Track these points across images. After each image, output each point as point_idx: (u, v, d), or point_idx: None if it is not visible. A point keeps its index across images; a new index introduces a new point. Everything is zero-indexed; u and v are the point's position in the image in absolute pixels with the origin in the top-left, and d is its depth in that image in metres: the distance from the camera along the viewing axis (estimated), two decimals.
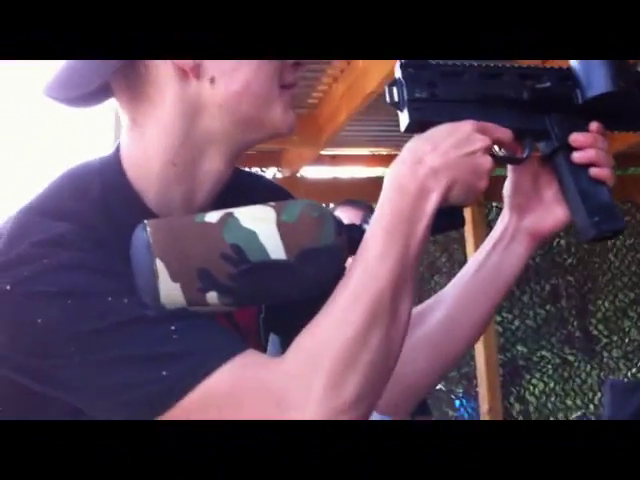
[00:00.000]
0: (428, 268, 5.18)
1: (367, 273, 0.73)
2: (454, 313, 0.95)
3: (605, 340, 5.52)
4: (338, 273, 0.77)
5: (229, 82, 0.79)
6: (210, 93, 0.79)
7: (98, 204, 0.79)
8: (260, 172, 4.66)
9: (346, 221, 2.40)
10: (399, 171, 0.78)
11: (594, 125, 0.87)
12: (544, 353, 5.44)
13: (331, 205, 4.29)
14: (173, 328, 0.71)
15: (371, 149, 4.42)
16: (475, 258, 0.96)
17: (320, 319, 0.73)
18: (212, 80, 0.79)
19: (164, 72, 0.79)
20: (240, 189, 0.88)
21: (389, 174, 0.79)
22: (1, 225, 0.76)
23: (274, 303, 0.87)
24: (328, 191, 4.37)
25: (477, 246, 4.33)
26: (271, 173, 4.70)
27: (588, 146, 0.86)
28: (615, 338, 5.50)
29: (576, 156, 0.86)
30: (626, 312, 5.50)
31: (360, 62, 2.95)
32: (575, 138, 0.86)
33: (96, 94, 0.82)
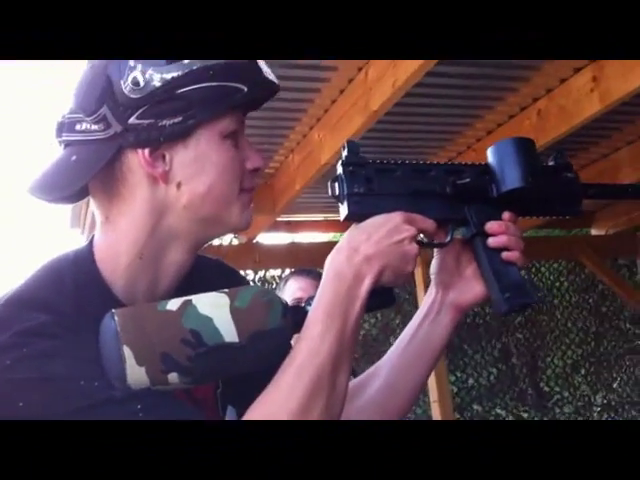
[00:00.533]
0: (383, 329, 5.28)
1: (309, 350, 0.83)
2: (393, 380, 1.05)
3: (556, 396, 5.65)
4: (285, 351, 0.87)
5: (194, 187, 0.89)
6: (176, 196, 0.89)
7: (72, 295, 0.87)
8: (217, 240, 4.74)
9: (299, 292, 2.49)
10: (337, 259, 0.90)
11: (506, 215, 1.00)
12: (499, 411, 5.53)
13: (287, 270, 4.39)
14: (139, 407, 0.79)
15: (325, 215, 4.54)
16: (407, 330, 1.06)
17: (269, 392, 0.82)
18: (178, 185, 0.89)
19: (137, 177, 0.89)
20: (200, 275, 0.98)
21: (329, 261, 0.91)
22: None
23: (228, 379, 0.95)
24: (284, 256, 4.46)
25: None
26: (228, 239, 4.76)
27: (501, 233, 0.99)
28: (566, 394, 5.64)
29: (490, 241, 0.99)
30: (576, 368, 5.66)
31: (315, 135, 3.10)
32: (490, 226, 1.00)
33: (76, 195, 0.92)
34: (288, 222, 4.40)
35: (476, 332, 5.42)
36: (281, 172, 3.62)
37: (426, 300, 1.06)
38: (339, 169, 0.97)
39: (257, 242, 4.50)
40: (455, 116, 3.20)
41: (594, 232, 5.31)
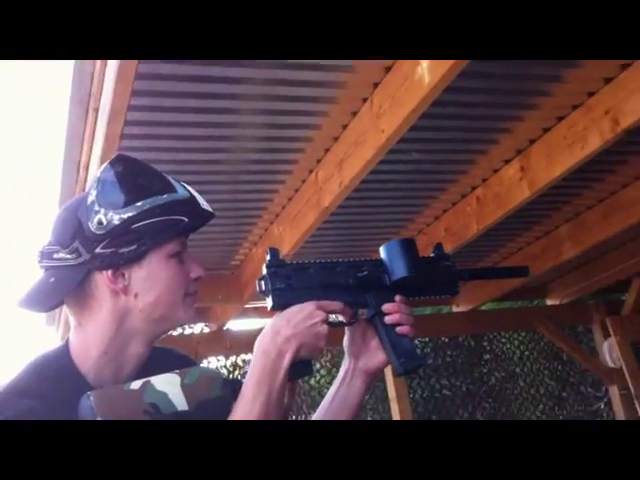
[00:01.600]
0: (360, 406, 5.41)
1: (243, 412, 1.06)
2: None
3: None
4: (225, 414, 1.08)
5: (147, 296, 1.13)
6: (134, 303, 1.13)
7: (54, 383, 1.09)
8: (188, 327, 4.89)
9: None
10: (263, 340, 1.12)
11: (397, 297, 1.24)
12: None
13: None
14: None
15: None
16: (329, 392, 1.29)
17: None
18: (135, 295, 1.13)
19: (102, 291, 1.13)
20: (155, 362, 1.20)
21: (257, 342, 1.13)
22: None
23: None
24: (254, 340, 4.59)
25: (396, 382, 4.62)
26: (199, 328, 4.90)
27: (394, 312, 1.23)
28: None
29: (386, 319, 1.23)
30: None
31: (276, 229, 3.34)
32: (385, 307, 1.23)
33: (55, 305, 1.16)
34: (256, 308, 4.58)
35: (443, 403, 5.57)
36: (246, 263, 3.85)
37: (342, 368, 1.29)
38: (264, 270, 1.19)
39: (227, 329, 4.67)
40: (405, 205, 3.47)
41: (549, 302, 5.58)
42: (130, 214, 1.10)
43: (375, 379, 1.32)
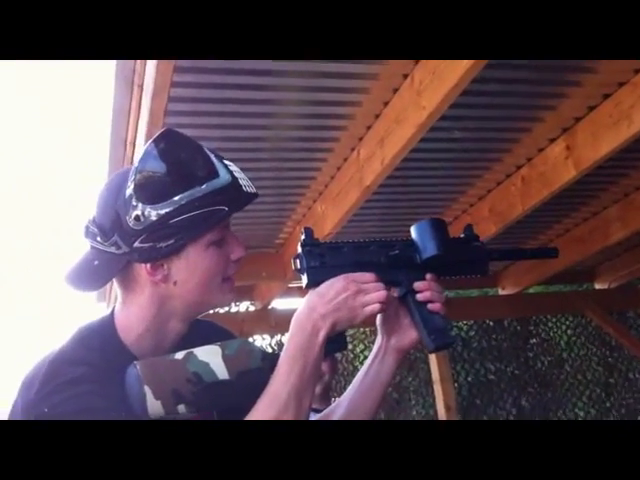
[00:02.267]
0: (397, 387, 5.44)
1: (279, 384, 1.09)
2: (352, 408, 1.31)
3: None
4: (263, 385, 1.12)
5: (186, 284, 1.16)
6: (173, 290, 1.16)
7: (100, 352, 1.14)
8: (234, 305, 4.97)
9: None
10: (299, 316, 1.15)
11: (429, 276, 1.26)
12: None
13: None
14: None
15: None
16: (361, 370, 1.32)
17: (252, 412, 1.08)
18: (175, 283, 1.16)
19: (143, 279, 1.16)
20: (195, 335, 1.23)
21: (294, 318, 1.16)
22: (36, 372, 1.11)
23: (222, 409, 1.19)
24: None
25: (440, 365, 4.63)
26: (244, 306, 4.98)
27: (425, 290, 1.25)
28: None
29: (418, 297, 1.25)
30: (587, 419, 5.73)
31: (319, 208, 3.37)
32: (416, 285, 1.25)
33: (98, 287, 1.20)
34: (301, 287, 4.60)
35: (487, 387, 5.55)
36: (290, 242, 3.89)
37: (375, 345, 1.32)
38: (299, 249, 1.22)
39: (272, 308, 4.74)
40: (448, 185, 3.47)
41: (597, 286, 5.49)
42: (167, 209, 1.10)
43: (406, 356, 1.34)
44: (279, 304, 4.81)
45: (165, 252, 1.12)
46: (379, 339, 1.31)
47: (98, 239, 1.14)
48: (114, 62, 2.16)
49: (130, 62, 2.15)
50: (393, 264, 1.25)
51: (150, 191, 1.10)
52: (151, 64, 2.02)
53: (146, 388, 1.04)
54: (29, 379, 1.10)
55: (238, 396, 1.10)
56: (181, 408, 1.06)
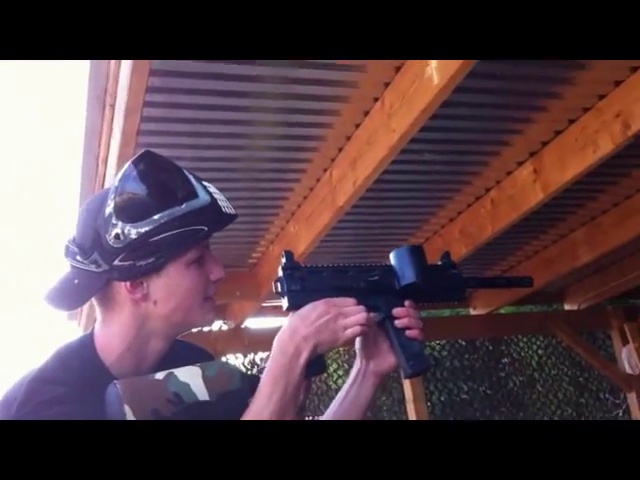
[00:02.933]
0: (370, 407, 5.43)
1: (260, 406, 1.10)
2: None
3: None
4: (243, 406, 1.13)
5: (166, 304, 1.17)
6: (153, 309, 1.17)
7: (78, 373, 1.14)
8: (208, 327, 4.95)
9: None
10: (282, 338, 1.16)
11: (407, 302, 1.28)
12: None
13: None
14: None
15: None
16: (340, 394, 1.33)
17: None
18: (155, 302, 1.17)
19: (123, 298, 1.17)
20: (175, 355, 1.24)
21: (276, 340, 1.17)
22: (15, 391, 1.11)
23: None
24: (271, 338, 4.62)
25: (413, 384, 4.65)
26: (217, 325, 4.96)
27: (404, 316, 1.27)
28: None
29: (396, 323, 1.27)
30: None
31: (292, 228, 3.39)
32: (395, 311, 1.27)
33: (77, 307, 1.21)
34: (274, 307, 4.63)
35: (461, 406, 5.58)
36: (263, 261, 3.91)
37: (353, 369, 1.33)
38: (280, 272, 1.23)
39: (245, 327, 4.73)
40: (419, 206, 3.51)
41: (567, 307, 5.56)
42: (147, 228, 1.11)
43: (384, 381, 1.36)
44: (252, 323, 4.81)
45: (145, 270, 1.13)
46: (358, 363, 1.32)
47: (78, 258, 1.15)
48: (86, 81, 2.17)
49: (102, 81, 2.16)
50: (372, 289, 1.27)
51: (130, 210, 1.11)
52: (123, 84, 2.04)
53: (126, 407, 1.05)
54: (8, 398, 1.11)
55: (218, 417, 1.10)
56: None
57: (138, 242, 1.11)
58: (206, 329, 4.91)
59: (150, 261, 1.12)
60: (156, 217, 1.11)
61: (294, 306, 1.20)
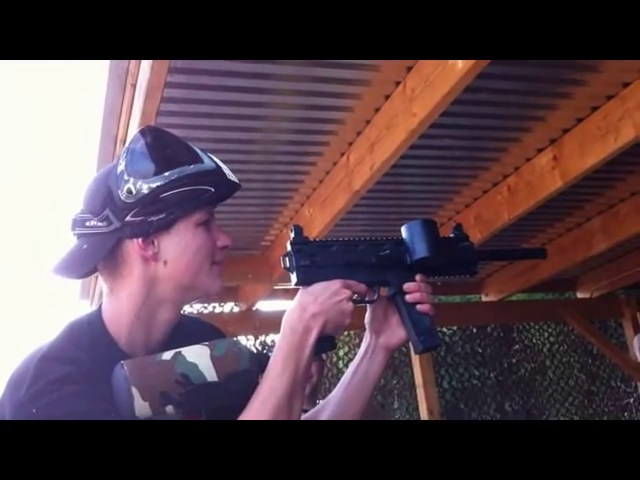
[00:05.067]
0: (381, 390, 5.46)
1: (270, 387, 1.10)
2: (341, 407, 1.31)
3: None
4: (252, 386, 1.12)
5: (176, 263, 1.16)
6: (163, 270, 1.16)
7: (88, 349, 1.13)
8: (218, 306, 4.97)
9: None
10: (291, 316, 1.15)
11: (418, 277, 1.27)
12: None
13: None
14: None
15: None
16: (350, 369, 1.32)
17: (242, 418, 1.08)
18: (165, 262, 1.16)
19: (133, 259, 1.16)
20: (183, 329, 1.24)
21: (285, 318, 1.16)
22: (24, 369, 1.10)
23: (211, 411, 1.19)
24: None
25: (423, 367, 4.65)
26: (228, 307, 4.98)
27: (415, 291, 1.26)
28: None
29: (407, 297, 1.26)
30: None
31: (307, 211, 3.37)
32: (406, 286, 1.26)
33: (87, 273, 1.20)
34: (286, 290, 4.63)
35: (471, 392, 5.58)
36: (277, 244, 3.89)
37: (363, 344, 1.32)
38: (288, 247, 1.22)
39: (257, 309, 4.73)
40: (435, 192, 3.49)
41: (580, 295, 5.54)
42: (158, 183, 1.12)
43: (392, 355, 1.35)
44: (264, 306, 4.81)
45: (156, 226, 1.13)
46: (367, 338, 1.32)
47: (86, 223, 1.15)
48: (107, 62, 2.16)
49: (124, 61, 2.14)
50: (383, 264, 1.26)
51: (142, 167, 1.13)
52: (146, 64, 2.02)
53: (133, 390, 1.04)
54: (17, 377, 1.09)
55: (226, 398, 1.10)
56: (169, 409, 1.06)
57: (149, 197, 1.12)
58: (217, 310, 4.93)
59: (161, 217, 1.13)
60: (167, 174, 1.13)
61: (303, 282, 1.19)
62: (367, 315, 1.31)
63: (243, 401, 1.10)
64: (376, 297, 1.27)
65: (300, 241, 1.22)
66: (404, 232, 1.29)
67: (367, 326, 1.32)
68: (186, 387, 1.06)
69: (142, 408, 1.04)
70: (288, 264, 1.21)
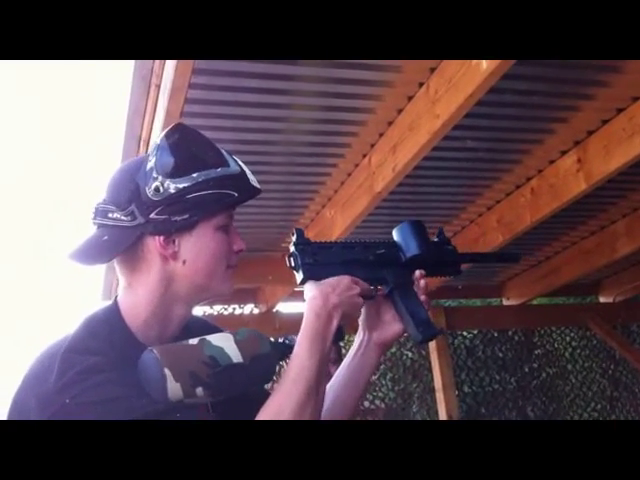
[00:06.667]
0: (401, 393, 5.43)
1: (301, 367, 1.13)
2: (336, 397, 1.35)
3: None
4: (273, 369, 1.16)
5: (194, 264, 1.19)
6: (181, 269, 1.19)
7: (107, 341, 1.14)
8: (238, 307, 4.97)
9: None
10: (315, 303, 1.20)
11: (417, 273, 1.36)
12: None
13: None
14: (178, 415, 1.06)
15: None
16: (343, 364, 1.39)
17: (273, 398, 1.11)
18: (184, 262, 1.19)
19: (153, 256, 1.19)
20: (192, 327, 1.26)
21: (308, 305, 1.21)
22: (47, 363, 1.10)
23: (238, 392, 1.20)
24: (301, 324, 4.66)
25: (443, 371, 4.61)
26: (248, 309, 4.98)
27: (421, 278, 1.36)
28: None
29: (422, 283, 1.36)
30: None
31: (327, 213, 3.37)
32: (418, 274, 1.36)
33: (105, 261, 1.21)
34: None
35: (492, 396, 5.54)
36: None
37: (357, 339, 1.39)
38: (292, 248, 1.29)
39: (277, 311, 4.74)
40: (457, 194, 3.47)
41: (602, 300, 5.49)
42: (186, 184, 1.15)
43: (387, 350, 1.44)
44: (284, 307, 4.82)
45: (179, 226, 1.16)
46: (360, 335, 1.39)
47: (110, 215, 1.17)
48: (132, 61, 2.17)
49: (148, 62, 2.16)
50: (380, 262, 1.35)
51: (171, 167, 1.15)
52: (170, 64, 2.03)
53: (166, 371, 1.06)
54: (40, 371, 1.11)
55: (252, 379, 1.15)
56: (199, 391, 1.08)
57: (176, 197, 1.15)
58: (237, 312, 4.94)
59: (185, 217, 1.16)
60: (194, 175, 1.16)
61: (309, 279, 1.26)
62: (362, 312, 1.37)
63: (267, 382, 1.16)
64: (374, 293, 1.35)
65: (302, 242, 1.30)
66: (396, 234, 1.40)
67: (360, 323, 1.39)
68: (214, 368, 1.09)
69: (175, 389, 1.06)
70: (293, 263, 1.28)
